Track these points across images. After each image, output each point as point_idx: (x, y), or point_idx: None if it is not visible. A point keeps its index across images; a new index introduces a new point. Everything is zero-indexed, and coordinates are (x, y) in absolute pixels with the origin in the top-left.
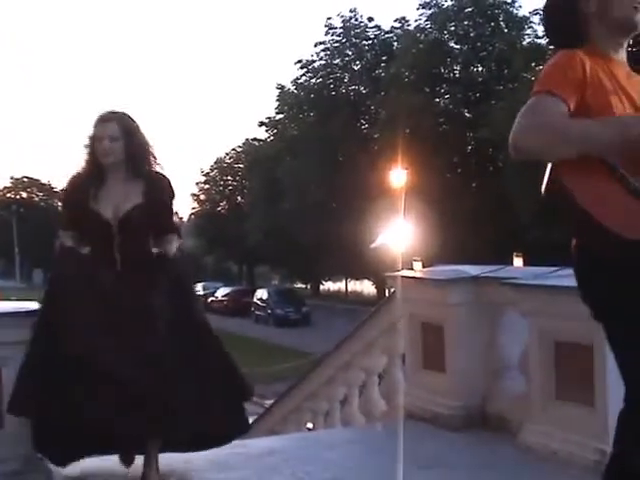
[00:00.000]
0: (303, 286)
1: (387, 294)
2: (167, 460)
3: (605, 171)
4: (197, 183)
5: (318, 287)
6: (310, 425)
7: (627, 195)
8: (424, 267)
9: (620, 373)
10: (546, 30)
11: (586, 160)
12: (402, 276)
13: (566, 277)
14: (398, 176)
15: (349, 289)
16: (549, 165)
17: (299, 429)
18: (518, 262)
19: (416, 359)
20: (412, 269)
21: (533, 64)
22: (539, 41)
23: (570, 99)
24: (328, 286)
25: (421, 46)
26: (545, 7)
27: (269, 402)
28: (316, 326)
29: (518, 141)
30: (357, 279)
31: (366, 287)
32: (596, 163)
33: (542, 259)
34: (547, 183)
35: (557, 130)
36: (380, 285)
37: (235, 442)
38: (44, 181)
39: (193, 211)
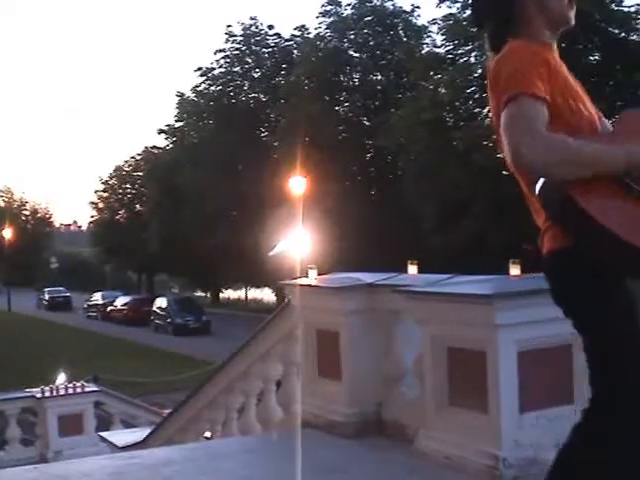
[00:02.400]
0: (203, 294)
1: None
2: (64, 472)
3: (608, 179)
4: (96, 191)
5: (218, 295)
6: (208, 434)
7: (633, 201)
8: (320, 275)
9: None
10: (476, 14)
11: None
12: (297, 284)
13: (459, 284)
14: (297, 184)
15: (249, 297)
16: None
17: (197, 438)
18: (413, 269)
19: (312, 367)
20: (307, 277)
21: (431, 73)
22: (437, 50)
23: (547, 96)
24: (228, 294)
25: (320, 54)
26: None
27: (168, 411)
28: (216, 334)
29: (527, 158)
30: (257, 287)
31: (266, 295)
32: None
33: (443, 265)
34: (545, 190)
35: (569, 150)
36: (280, 293)
37: (132, 453)
38: None
39: (92, 220)
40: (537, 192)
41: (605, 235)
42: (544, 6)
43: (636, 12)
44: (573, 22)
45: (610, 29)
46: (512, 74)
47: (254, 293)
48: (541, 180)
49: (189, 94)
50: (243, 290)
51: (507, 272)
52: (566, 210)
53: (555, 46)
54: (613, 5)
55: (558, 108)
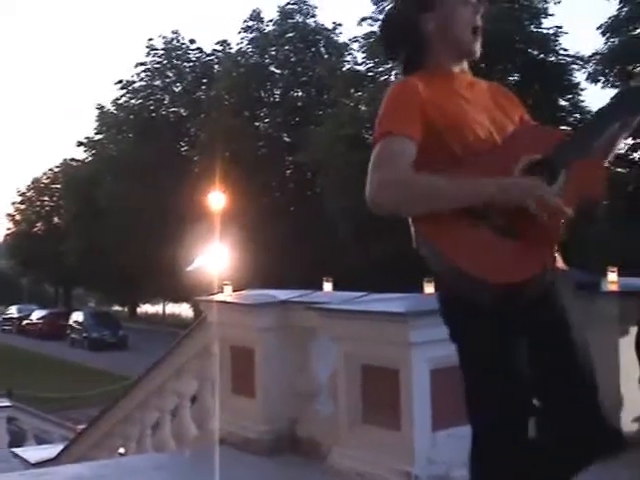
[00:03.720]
0: (120, 309)
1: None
2: None
3: (464, 211)
4: (13, 203)
5: (135, 310)
6: (122, 450)
7: (490, 234)
8: (235, 291)
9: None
10: (385, 45)
11: None
12: (212, 300)
13: (372, 302)
14: (216, 199)
15: (167, 312)
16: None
17: (111, 455)
18: (328, 287)
19: (227, 384)
20: (222, 293)
21: (352, 90)
22: (358, 67)
23: (414, 132)
24: (146, 309)
25: (242, 69)
26: (384, 22)
27: (83, 427)
28: (133, 349)
29: (375, 197)
30: (175, 301)
31: (184, 310)
32: None
33: (362, 281)
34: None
35: (412, 187)
36: (197, 308)
37: (44, 469)
38: None
39: (8, 232)
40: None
41: (460, 273)
42: (448, 39)
43: (554, 34)
44: (478, 54)
45: (529, 50)
46: (385, 113)
47: (172, 308)
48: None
49: (109, 107)
50: (161, 305)
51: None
52: (429, 254)
53: (461, 72)
54: (532, 27)
55: (437, 139)
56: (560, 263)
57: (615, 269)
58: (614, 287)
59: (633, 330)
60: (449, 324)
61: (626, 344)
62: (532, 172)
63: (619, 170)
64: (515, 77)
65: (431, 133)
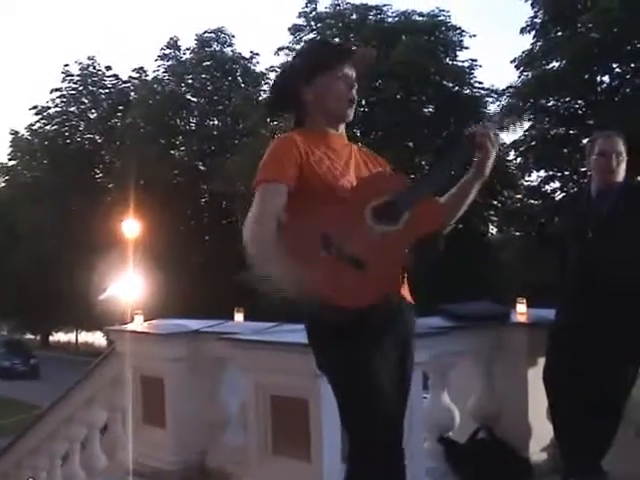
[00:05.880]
0: (32, 337)
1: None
2: None
3: (318, 248)
4: None
5: (48, 338)
6: None
7: (342, 269)
8: (147, 320)
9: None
10: (271, 108)
11: (300, 239)
12: (122, 330)
13: (283, 333)
14: (129, 227)
15: (80, 340)
16: None
17: None
18: (239, 317)
19: (137, 414)
20: (133, 322)
21: (268, 119)
22: None
23: (289, 180)
24: (59, 337)
25: (158, 97)
26: (272, 89)
27: None
28: (45, 378)
29: (248, 247)
30: (88, 330)
31: (97, 338)
32: (310, 241)
33: (277, 312)
34: None
35: (265, 248)
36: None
37: None
38: None
39: None
40: None
41: (318, 301)
42: (324, 109)
43: (470, 67)
44: (350, 117)
45: (444, 82)
46: (263, 163)
47: (85, 336)
48: None
49: (24, 132)
50: (74, 333)
51: None
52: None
53: (336, 134)
54: (448, 60)
55: (306, 185)
56: (407, 295)
57: (524, 300)
58: (523, 318)
59: (541, 361)
60: (317, 354)
61: (534, 375)
62: (379, 213)
63: (532, 202)
64: (430, 109)
65: (302, 179)
